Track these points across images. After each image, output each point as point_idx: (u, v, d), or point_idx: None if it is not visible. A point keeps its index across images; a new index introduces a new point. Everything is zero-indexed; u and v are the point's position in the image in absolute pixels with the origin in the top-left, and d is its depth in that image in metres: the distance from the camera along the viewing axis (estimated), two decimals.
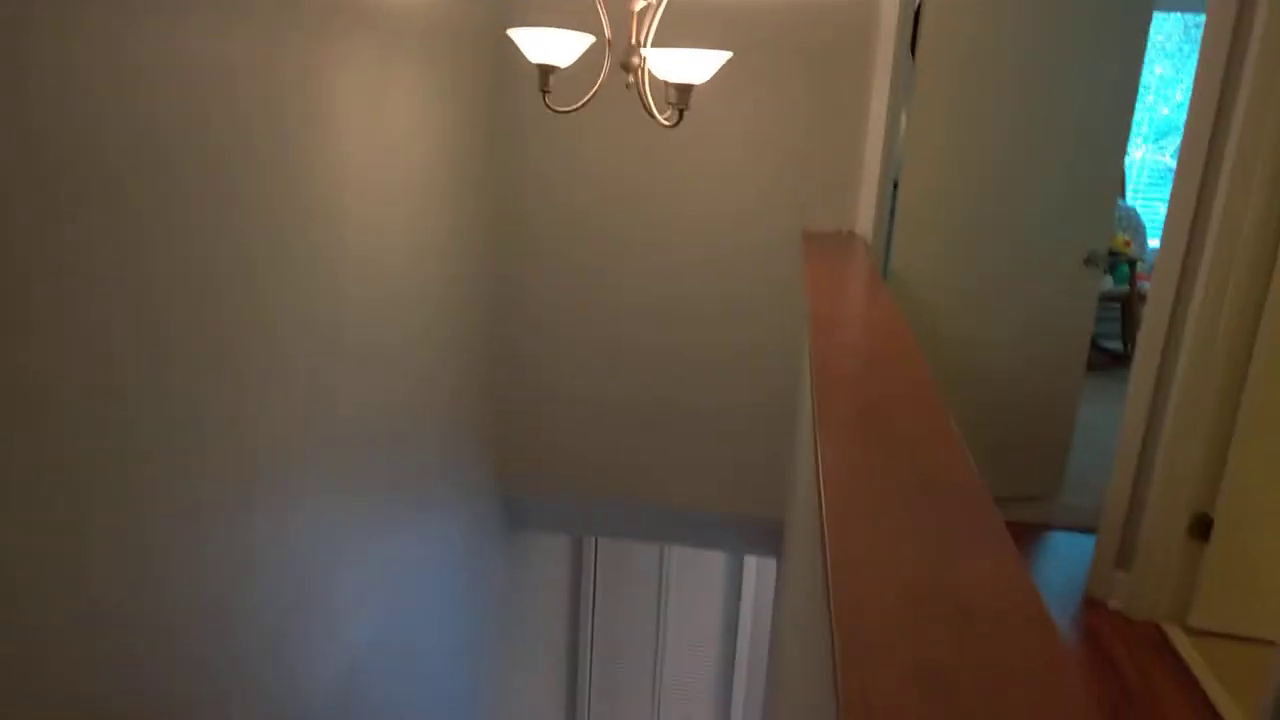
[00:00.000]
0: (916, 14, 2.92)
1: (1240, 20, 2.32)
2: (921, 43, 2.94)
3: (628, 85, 2.08)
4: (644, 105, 2.05)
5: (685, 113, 2.00)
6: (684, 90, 1.96)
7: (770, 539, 3.55)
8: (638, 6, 2.02)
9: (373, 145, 2.18)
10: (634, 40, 2.03)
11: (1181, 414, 2.51)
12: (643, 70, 2.03)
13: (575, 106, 2.14)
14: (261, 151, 1.71)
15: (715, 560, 5.31)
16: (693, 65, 1.90)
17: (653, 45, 1.97)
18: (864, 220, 2.98)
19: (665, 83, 1.96)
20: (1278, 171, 2.30)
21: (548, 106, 2.10)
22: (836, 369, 1.51)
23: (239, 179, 1.63)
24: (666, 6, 1.99)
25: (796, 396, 3.08)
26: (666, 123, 2.05)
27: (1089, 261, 3.28)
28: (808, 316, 1.92)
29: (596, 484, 3.39)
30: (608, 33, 2.05)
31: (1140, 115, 6.65)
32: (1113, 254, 5.21)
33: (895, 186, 3.07)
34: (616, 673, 5.59)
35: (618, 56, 2.05)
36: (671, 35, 2.23)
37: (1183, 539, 2.57)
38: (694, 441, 3.29)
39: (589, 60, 2.07)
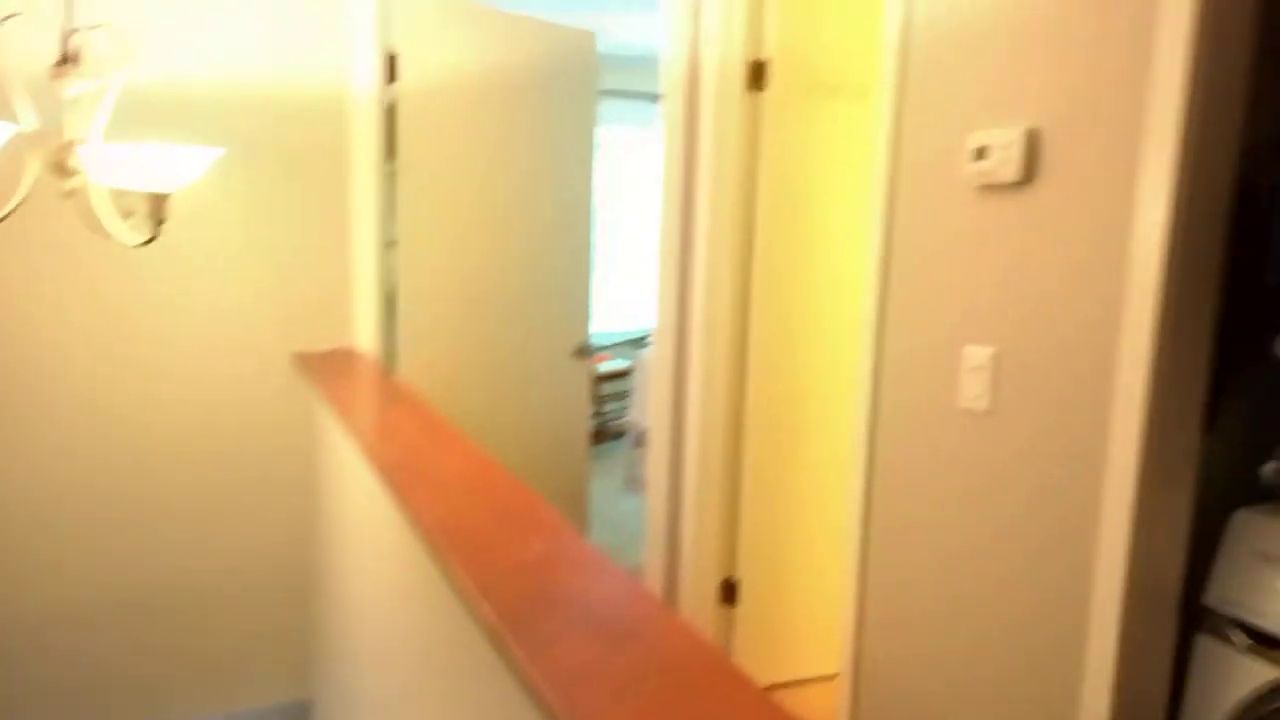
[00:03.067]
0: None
1: (689, 134, 2.60)
2: (401, 146, 2.80)
3: (67, 193, 1.58)
4: (92, 217, 1.57)
5: (161, 225, 1.57)
6: (157, 200, 1.54)
7: None
8: (71, 93, 1.55)
9: None
10: (71, 136, 1.55)
11: (699, 487, 2.68)
12: (88, 173, 1.56)
13: None
14: None
15: None
16: (160, 166, 1.49)
17: (104, 141, 1.52)
18: (365, 335, 2.71)
19: (130, 189, 1.51)
20: (742, 272, 2.60)
21: None
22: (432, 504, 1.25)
23: None
24: (116, 93, 1.56)
25: (322, 551, 2.66)
26: (134, 239, 1.59)
27: (578, 353, 3.41)
28: (362, 448, 1.61)
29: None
30: (31, 122, 1.53)
31: None
32: None
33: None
34: None
35: (49, 155, 1.55)
36: (123, 128, 1.77)
37: (715, 604, 2.73)
38: (181, 628, 2.65)
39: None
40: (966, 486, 1.65)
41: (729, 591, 2.73)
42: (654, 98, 6.46)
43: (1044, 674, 1.50)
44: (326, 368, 2.51)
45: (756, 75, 2.54)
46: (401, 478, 1.61)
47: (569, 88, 3.20)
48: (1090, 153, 1.41)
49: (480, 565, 1.21)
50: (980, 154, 1.58)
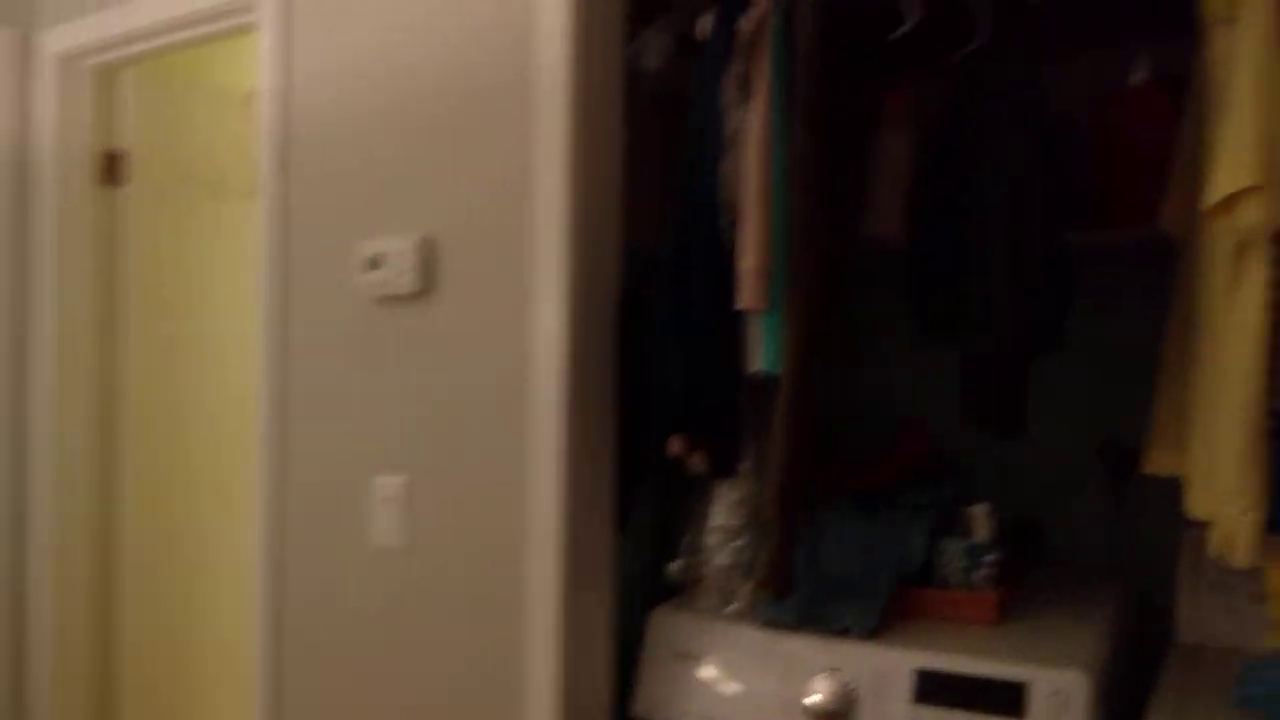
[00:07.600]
0: None
1: None
2: None
3: None
4: None
5: None
6: None
7: None
8: None
9: None
10: None
11: (57, 678, 2.07)
12: None
13: None
14: None
15: None
16: None
17: None
18: None
19: None
20: (105, 393, 2.12)
21: None
22: None
23: None
24: None
25: None
26: None
27: None
28: None
29: None
30: None
31: None
32: None
33: None
34: None
35: None
36: None
37: None
38: None
39: None
40: (388, 628, 1.46)
41: None
42: None
43: None
44: None
45: (111, 168, 2.13)
46: None
47: None
48: (487, 262, 1.37)
49: None
50: (375, 263, 1.45)
